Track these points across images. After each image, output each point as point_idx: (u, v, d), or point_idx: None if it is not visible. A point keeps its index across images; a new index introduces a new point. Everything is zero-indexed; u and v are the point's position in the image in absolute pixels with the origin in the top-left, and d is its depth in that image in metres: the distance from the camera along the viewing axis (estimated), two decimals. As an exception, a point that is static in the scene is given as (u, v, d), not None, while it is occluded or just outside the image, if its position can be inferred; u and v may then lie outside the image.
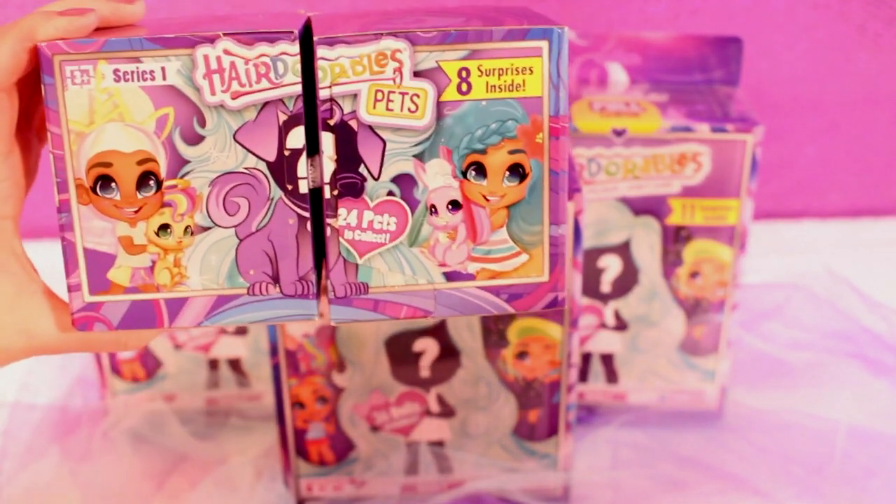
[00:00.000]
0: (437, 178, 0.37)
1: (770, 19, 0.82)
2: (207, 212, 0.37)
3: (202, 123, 0.37)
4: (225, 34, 0.36)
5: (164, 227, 0.37)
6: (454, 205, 0.38)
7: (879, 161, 0.90)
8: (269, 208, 0.37)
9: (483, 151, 0.37)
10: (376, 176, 0.37)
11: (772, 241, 0.86)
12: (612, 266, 0.62)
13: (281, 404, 0.56)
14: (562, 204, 0.38)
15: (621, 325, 0.64)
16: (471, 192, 0.38)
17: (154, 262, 0.38)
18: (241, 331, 0.64)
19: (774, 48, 0.83)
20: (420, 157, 0.37)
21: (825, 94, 0.86)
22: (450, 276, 0.38)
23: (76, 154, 0.37)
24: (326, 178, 0.37)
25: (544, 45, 0.36)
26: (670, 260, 0.62)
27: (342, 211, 0.37)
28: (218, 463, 0.62)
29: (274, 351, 0.54)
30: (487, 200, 0.38)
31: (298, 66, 0.36)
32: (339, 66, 0.36)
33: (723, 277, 0.61)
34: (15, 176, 0.39)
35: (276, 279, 0.38)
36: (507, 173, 0.37)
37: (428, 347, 0.55)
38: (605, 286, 0.63)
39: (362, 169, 0.37)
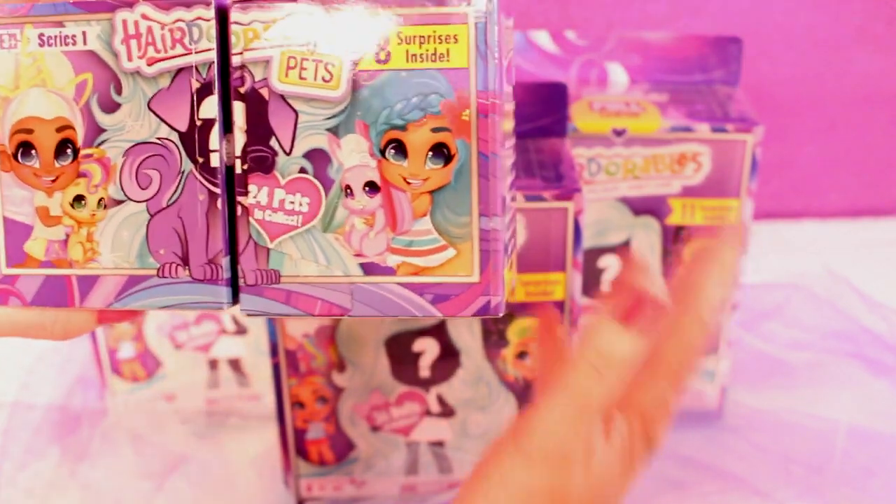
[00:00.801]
0: (353, 156, 0.34)
1: (770, 19, 0.82)
2: (121, 184, 0.35)
3: (119, 90, 0.35)
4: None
5: (78, 199, 0.36)
6: (371, 186, 0.34)
7: (879, 161, 0.90)
8: (179, 182, 0.35)
9: (403, 128, 0.34)
10: (288, 150, 0.34)
11: (772, 241, 0.86)
12: (612, 266, 0.62)
13: (281, 404, 0.56)
14: (493, 192, 0.34)
15: (621, 325, 0.64)
16: (390, 174, 0.34)
17: (68, 236, 0.36)
18: (241, 331, 0.64)
19: (774, 48, 0.83)
20: (335, 131, 0.34)
21: (825, 94, 0.86)
22: (367, 269, 0.35)
23: (1, 119, 0.36)
24: (237, 152, 0.35)
25: (470, 10, 0.33)
26: (670, 260, 0.62)
27: (252, 188, 0.35)
28: (218, 463, 0.62)
29: (274, 351, 0.54)
30: (408, 184, 0.34)
31: (213, 32, 0.34)
32: (251, 31, 0.34)
33: (723, 277, 0.61)
34: None
35: (185, 261, 0.35)
36: (430, 154, 0.34)
37: (428, 347, 0.55)
38: (606, 286, 0.63)
39: (273, 142, 0.34)
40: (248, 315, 0.36)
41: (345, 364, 0.55)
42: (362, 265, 0.35)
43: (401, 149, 0.34)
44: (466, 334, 0.54)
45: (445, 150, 0.34)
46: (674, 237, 0.61)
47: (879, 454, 0.61)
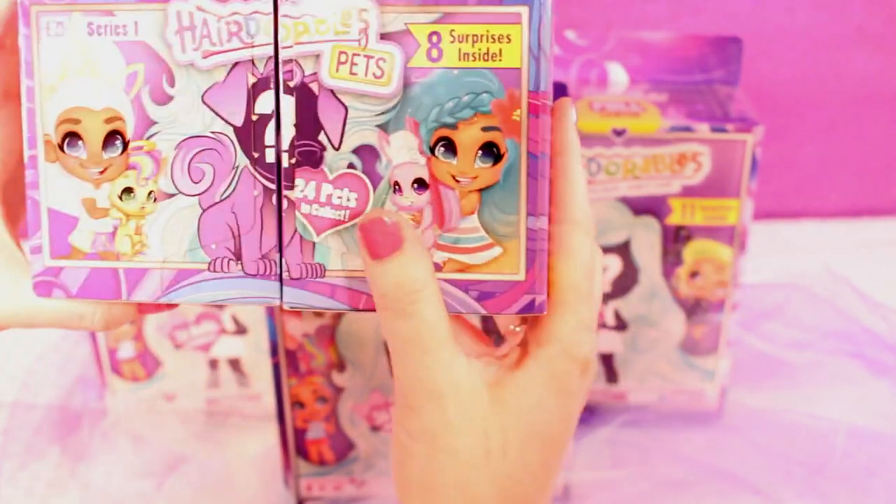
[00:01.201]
0: (403, 153, 0.34)
1: (770, 19, 0.82)
2: (172, 177, 0.35)
3: (171, 82, 0.34)
4: None
5: (127, 191, 0.35)
6: (420, 184, 0.34)
7: (879, 161, 0.90)
8: (233, 177, 0.35)
9: (454, 126, 0.34)
10: (337, 145, 0.34)
11: (772, 241, 0.86)
12: (612, 266, 0.62)
13: (281, 404, 0.56)
14: (541, 192, 0.34)
15: (621, 325, 0.64)
16: (439, 171, 0.34)
17: (115, 228, 0.35)
18: (241, 330, 0.64)
19: (774, 48, 0.83)
20: (384, 127, 0.34)
21: (825, 94, 0.86)
22: None
23: (46, 109, 0.35)
24: (285, 146, 0.34)
25: (524, 10, 0.33)
26: (670, 260, 0.62)
27: (299, 182, 0.34)
28: (218, 463, 0.62)
29: (274, 351, 0.54)
30: (457, 182, 0.34)
31: (272, 27, 0.34)
32: (302, 25, 0.33)
33: (723, 277, 0.61)
34: (1, 139, 0.37)
35: (238, 256, 0.35)
36: (480, 152, 0.34)
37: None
38: (605, 286, 0.63)
39: (322, 137, 0.34)
40: (291, 308, 0.36)
41: (345, 364, 0.55)
42: None
43: (450, 147, 0.34)
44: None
45: (495, 150, 0.34)
46: (674, 237, 0.61)
47: (879, 454, 0.61)
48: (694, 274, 0.62)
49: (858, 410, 0.65)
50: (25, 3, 0.34)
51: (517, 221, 0.34)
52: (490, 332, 0.54)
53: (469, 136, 0.34)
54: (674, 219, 0.60)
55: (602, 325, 0.64)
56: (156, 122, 0.35)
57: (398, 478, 0.35)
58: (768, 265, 0.78)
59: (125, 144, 0.35)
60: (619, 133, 0.58)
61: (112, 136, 0.35)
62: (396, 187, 0.34)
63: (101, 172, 0.35)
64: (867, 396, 0.66)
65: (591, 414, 0.66)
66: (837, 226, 0.90)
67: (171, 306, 0.38)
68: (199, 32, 0.34)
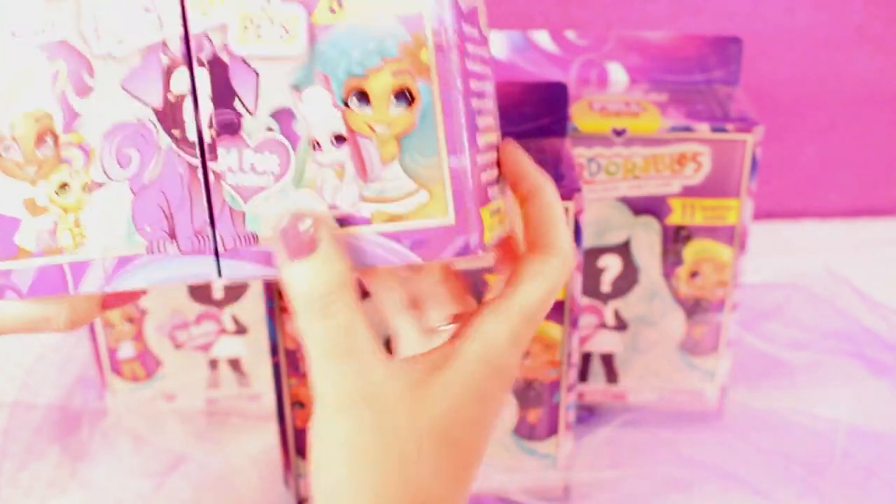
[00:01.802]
0: (318, 110, 0.34)
1: (770, 19, 0.82)
2: (102, 166, 0.35)
3: (91, 74, 0.35)
4: None
5: (63, 186, 0.36)
6: (338, 138, 0.34)
7: (879, 161, 0.90)
8: (159, 158, 0.35)
9: (363, 76, 0.34)
10: (252, 111, 0.34)
11: (772, 241, 0.86)
12: (612, 266, 0.62)
13: (281, 404, 0.56)
14: (458, 130, 0.34)
15: (621, 325, 0.64)
16: (355, 123, 0.34)
17: (56, 224, 0.36)
18: (242, 330, 0.64)
19: (774, 48, 0.83)
20: (297, 87, 0.34)
21: (825, 94, 0.86)
22: (342, 221, 0.34)
23: None
24: (205, 120, 0.35)
25: None
26: (670, 260, 0.62)
27: (221, 152, 0.35)
28: (218, 463, 0.62)
29: (274, 350, 0.54)
30: (374, 131, 0.34)
31: (178, 7, 0.34)
32: None
33: (723, 277, 0.61)
34: None
35: (172, 235, 0.35)
36: (393, 99, 0.34)
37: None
38: (605, 286, 0.63)
39: (237, 104, 0.34)
40: (231, 281, 0.36)
41: (345, 364, 0.55)
42: (337, 218, 0.35)
43: (363, 97, 0.34)
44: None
45: (407, 93, 0.34)
46: (674, 237, 0.61)
47: (879, 454, 0.61)
48: (694, 274, 0.62)
49: (858, 410, 0.65)
50: None
51: (439, 163, 0.34)
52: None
53: (380, 84, 0.34)
54: (674, 219, 0.60)
55: (602, 325, 0.64)
56: (81, 115, 0.35)
57: (315, 483, 0.35)
58: (768, 265, 0.78)
59: (56, 140, 0.36)
60: (619, 133, 0.58)
61: (43, 135, 0.36)
62: (316, 145, 0.35)
63: (37, 171, 0.36)
64: (867, 396, 0.66)
65: (591, 414, 0.66)
66: (837, 226, 0.90)
67: (133, 297, 0.38)
68: (112, 22, 0.34)
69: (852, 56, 0.84)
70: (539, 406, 0.56)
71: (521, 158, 0.37)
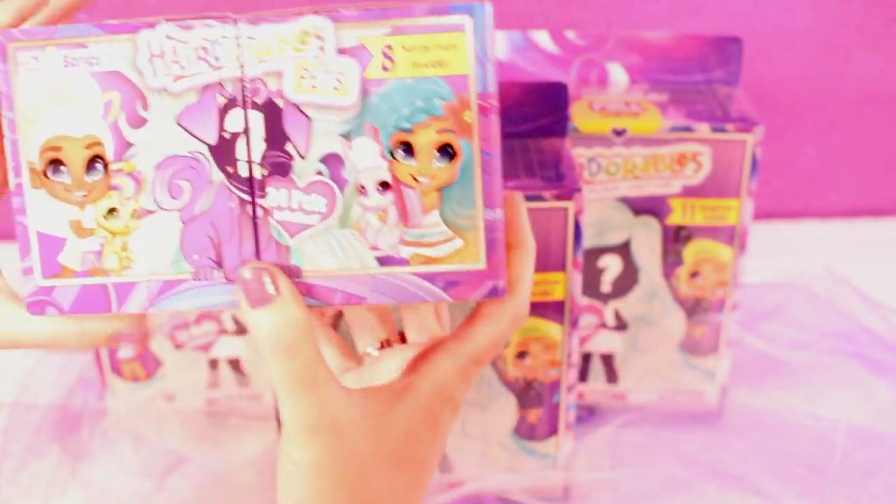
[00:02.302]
0: (366, 158, 0.37)
1: (770, 19, 0.82)
2: (153, 195, 0.37)
3: (145, 107, 0.37)
4: (166, 19, 0.36)
5: (111, 211, 0.37)
6: (384, 185, 0.37)
7: (879, 161, 0.90)
8: (210, 192, 0.37)
9: (410, 130, 0.36)
10: (304, 155, 0.37)
11: (772, 241, 0.86)
12: (612, 266, 0.62)
13: (281, 404, 0.56)
14: (495, 186, 0.37)
15: (621, 325, 0.64)
16: (400, 173, 0.37)
17: (102, 246, 0.38)
18: (242, 331, 0.64)
19: (774, 48, 0.83)
20: (347, 136, 0.36)
21: (825, 94, 0.86)
22: (383, 261, 0.37)
23: (29, 139, 0.37)
24: (256, 158, 0.37)
25: (467, 20, 0.36)
26: (670, 260, 0.62)
27: (271, 191, 0.37)
28: (218, 463, 0.62)
29: (274, 351, 0.54)
30: (417, 181, 0.37)
31: (236, 50, 0.36)
32: (263, 45, 0.36)
33: (723, 277, 0.61)
34: None
35: (219, 264, 0.37)
36: (437, 153, 0.37)
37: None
38: (605, 286, 0.63)
39: (290, 147, 0.37)
40: None
41: (345, 364, 0.55)
42: (378, 258, 0.37)
43: (409, 150, 0.37)
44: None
45: (450, 150, 0.37)
46: (674, 237, 0.61)
47: (879, 454, 0.61)
48: (694, 274, 0.62)
49: (858, 410, 0.65)
50: (2, 40, 0.37)
51: (475, 215, 0.37)
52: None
53: (425, 139, 0.37)
54: (674, 219, 0.60)
55: (602, 325, 0.64)
56: (133, 145, 0.37)
57: (282, 499, 0.39)
58: (768, 265, 0.78)
59: (106, 167, 0.37)
60: (619, 133, 0.58)
61: (93, 161, 0.37)
62: (362, 190, 0.37)
63: (86, 195, 0.37)
64: (867, 396, 0.66)
65: (591, 414, 0.66)
66: (837, 226, 0.90)
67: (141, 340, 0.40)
68: (169, 59, 0.36)
69: (852, 56, 0.84)
70: (539, 406, 0.56)
71: (521, 212, 0.40)
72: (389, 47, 0.36)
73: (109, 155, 0.37)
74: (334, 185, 0.37)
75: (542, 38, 0.62)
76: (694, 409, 0.66)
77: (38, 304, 0.38)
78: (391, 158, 0.37)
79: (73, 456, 0.62)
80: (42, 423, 0.64)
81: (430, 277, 0.37)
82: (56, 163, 0.37)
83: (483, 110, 0.36)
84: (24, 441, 0.63)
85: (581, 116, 0.59)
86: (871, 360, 0.69)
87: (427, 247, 0.37)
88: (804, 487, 0.60)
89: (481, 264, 0.37)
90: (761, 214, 0.87)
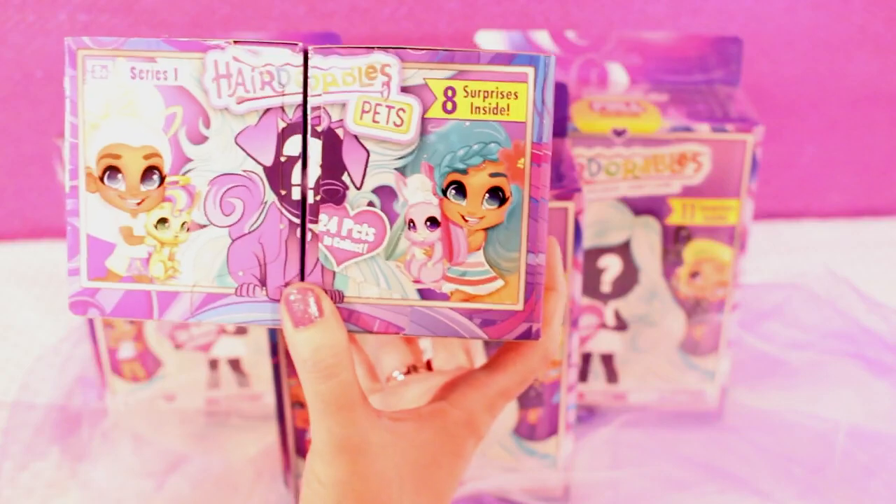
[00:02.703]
0: (418, 194, 0.38)
1: (770, 19, 0.82)
2: (205, 210, 0.38)
3: (207, 124, 0.38)
4: (235, 42, 0.37)
5: (162, 221, 0.38)
6: (432, 222, 0.38)
7: (879, 161, 0.90)
8: (262, 211, 0.38)
9: (464, 171, 0.37)
10: (358, 185, 0.38)
11: (772, 241, 0.86)
12: (612, 266, 0.62)
13: (281, 404, 0.56)
14: (541, 233, 0.38)
15: (621, 325, 0.64)
16: (450, 211, 0.38)
17: (150, 255, 0.39)
18: (241, 331, 0.64)
19: (774, 48, 0.83)
20: (402, 170, 0.37)
21: (825, 94, 0.86)
22: (424, 294, 0.38)
23: (89, 144, 0.38)
24: (311, 184, 0.38)
25: (530, 71, 0.37)
26: (670, 260, 0.62)
27: (323, 217, 0.38)
28: (218, 463, 0.62)
29: (274, 351, 0.54)
30: (466, 221, 0.38)
31: (301, 77, 0.37)
32: (330, 76, 0.37)
33: (723, 277, 0.61)
34: None
35: (263, 282, 0.38)
36: (487, 195, 0.38)
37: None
38: (605, 286, 0.63)
39: (345, 177, 0.38)
40: None
41: (345, 364, 0.55)
42: (419, 290, 0.38)
43: (461, 190, 0.38)
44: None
45: (501, 193, 0.38)
46: (674, 237, 0.61)
47: (879, 454, 0.61)
48: (694, 274, 0.62)
49: (858, 410, 0.65)
50: (73, 47, 0.38)
51: (518, 258, 0.38)
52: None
53: (478, 181, 0.38)
54: (674, 219, 0.60)
55: (602, 325, 0.64)
56: (191, 160, 0.38)
57: None
58: (768, 265, 0.78)
59: (162, 179, 0.38)
60: (619, 133, 0.58)
61: (150, 171, 0.38)
62: (411, 224, 0.38)
63: (139, 203, 0.38)
64: (867, 396, 0.66)
65: (591, 414, 0.66)
66: (837, 226, 0.90)
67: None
68: (234, 80, 0.37)
69: (852, 56, 0.84)
70: (539, 406, 0.56)
71: (556, 255, 0.41)
72: (452, 90, 0.37)
73: (166, 167, 0.38)
74: (385, 217, 0.38)
75: (542, 38, 0.62)
76: (694, 409, 0.66)
77: (81, 305, 0.39)
78: (442, 196, 0.38)
79: (73, 456, 0.62)
80: (42, 423, 0.64)
81: (469, 314, 0.38)
82: (113, 169, 0.38)
83: (536, 158, 0.37)
84: (24, 441, 0.63)
85: (581, 116, 0.59)
86: (871, 360, 0.69)
87: (468, 284, 0.38)
88: (804, 487, 0.60)
89: (519, 306, 0.38)
90: (761, 214, 0.87)
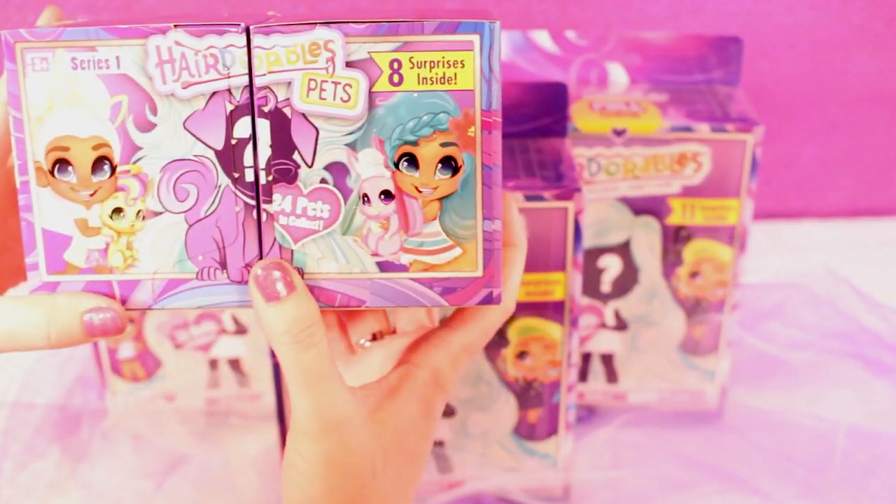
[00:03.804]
0: (370, 168, 0.38)
1: (770, 19, 0.82)
2: (159, 197, 0.38)
3: (154, 111, 0.37)
4: (176, 25, 0.37)
5: (117, 211, 0.38)
6: (386, 195, 0.38)
7: (879, 161, 0.90)
8: (216, 195, 0.38)
9: (415, 143, 0.38)
10: (310, 163, 0.38)
11: (772, 241, 0.86)
12: (612, 266, 0.62)
13: (281, 404, 0.56)
14: (495, 199, 0.38)
15: (621, 325, 0.64)
16: (403, 183, 0.38)
17: (108, 245, 0.38)
18: (241, 331, 0.64)
19: (774, 48, 0.83)
20: (353, 146, 0.37)
21: (825, 94, 0.86)
22: (383, 267, 0.38)
23: (35, 138, 0.38)
24: (262, 164, 0.38)
25: (475, 38, 0.37)
26: (670, 260, 0.62)
27: (277, 196, 0.38)
28: (218, 463, 0.62)
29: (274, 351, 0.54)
30: (420, 192, 0.38)
31: (246, 58, 0.37)
32: (273, 55, 0.37)
33: (723, 277, 0.61)
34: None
35: (223, 265, 0.38)
36: (440, 166, 0.38)
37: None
38: (605, 286, 0.63)
39: (296, 156, 0.38)
40: None
41: (345, 364, 0.55)
42: (378, 263, 0.38)
43: (413, 161, 0.38)
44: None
45: (453, 163, 0.38)
46: (674, 237, 0.61)
47: (879, 454, 0.61)
48: (694, 274, 0.62)
49: (858, 410, 0.65)
50: (10, 40, 0.37)
51: (475, 225, 0.38)
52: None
53: (429, 152, 0.38)
54: (674, 219, 0.60)
55: (602, 325, 0.64)
56: (141, 148, 0.38)
57: (288, 495, 0.39)
58: (768, 265, 0.78)
59: (113, 169, 0.38)
60: (619, 133, 0.58)
61: (100, 162, 0.38)
62: (365, 199, 0.38)
63: (92, 195, 0.38)
64: (867, 396, 0.66)
65: (591, 414, 0.66)
66: (837, 226, 0.90)
67: (118, 331, 0.39)
68: (178, 65, 0.37)
69: (852, 56, 0.84)
70: (539, 406, 0.56)
71: (512, 211, 0.42)
72: (398, 62, 0.37)
73: (116, 157, 0.38)
74: (338, 193, 0.38)
75: (542, 38, 0.62)
76: (694, 409, 0.66)
77: None
78: (395, 169, 0.38)
79: (73, 456, 0.62)
80: (42, 423, 0.64)
81: (429, 283, 0.39)
82: (63, 162, 0.38)
83: (487, 126, 0.37)
84: (24, 441, 0.63)
85: (581, 116, 0.59)
86: (871, 360, 0.69)
87: (426, 254, 0.38)
88: (804, 487, 0.60)
89: (478, 272, 0.39)
90: (761, 214, 0.87)
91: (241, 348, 0.65)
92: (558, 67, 0.63)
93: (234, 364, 0.65)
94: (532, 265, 0.52)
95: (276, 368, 0.55)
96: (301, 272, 0.38)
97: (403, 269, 0.39)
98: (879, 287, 0.74)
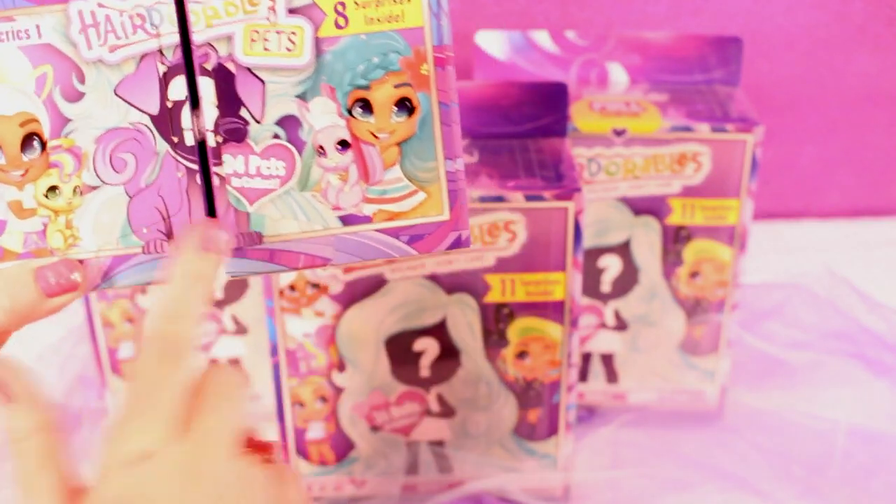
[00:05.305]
0: (323, 118, 0.36)
1: (770, 19, 0.82)
2: (95, 170, 0.36)
3: (81, 80, 0.36)
4: None
5: (52, 189, 0.36)
6: (343, 144, 0.36)
7: (879, 161, 0.90)
8: (156, 163, 0.36)
9: (367, 87, 0.36)
10: (259, 119, 0.36)
11: (772, 241, 0.86)
12: (612, 266, 0.62)
13: (281, 404, 0.56)
14: (455, 137, 0.37)
15: (621, 325, 0.64)
16: (359, 130, 0.36)
17: (45, 226, 0.37)
18: (242, 330, 0.64)
19: (774, 48, 0.83)
20: (303, 96, 0.36)
21: (825, 94, 0.86)
22: (346, 220, 0.37)
23: None
24: (209, 126, 0.36)
25: None
26: (670, 260, 0.62)
27: (227, 158, 0.36)
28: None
29: (274, 351, 0.54)
30: (377, 138, 0.36)
31: (174, 15, 0.35)
32: (211, 9, 0.35)
33: (723, 277, 0.61)
34: None
35: (169, 235, 0.37)
36: (395, 108, 0.36)
37: (428, 347, 0.55)
38: (605, 286, 0.63)
39: (244, 112, 0.36)
40: (234, 276, 0.37)
41: (345, 364, 0.55)
42: (341, 217, 0.37)
43: (367, 106, 0.36)
44: (467, 334, 0.54)
45: (408, 104, 0.36)
46: (674, 237, 0.61)
47: (879, 454, 0.61)
48: (694, 274, 0.62)
49: (858, 410, 0.65)
50: None
51: (436, 167, 0.37)
52: (491, 332, 0.54)
53: (383, 95, 0.36)
54: (674, 219, 0.60)
55: (602, 325, 0.64)
56: (71, 120, 0.36)
57: None
58: (768, 265, 0.78)
59: (43, 145, 0.36)
60: (619, 133, 0.58)
61: (29, 139, 0.36)
62: (321, 150, 0.36)
63: (23, 175, 0.36)
64: (867, 396, 0.66)
65: (591, 414, 0.66)
66: (837, 226, 0.90)
67: (73, 287, 0.38)
68: (104, 28, 0.35)
69: (852, 56, 0.84)
70: (539, 406, 0.56)
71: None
72: (342, 4, 0.35)
73: (46, 132, 0.36)
74: (292, 148, 0.36)
75: (542, 38, 0.62)
76: (694, 409, 0.66)
77: None
78: (349, 116, 0.36)
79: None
80: (42, 423, 0.64)
81: (395, 233, 0.37)
82: None
83: (440, 62, 0.36)
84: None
85: (581, 116, 0.59)
86: (871, 360, 0.69)
87: (390, 202, 0.37)
88: (804, 487, 0.60)
89: (445, 215, 0.37)
90: (761, 214, 0.87)
91: (241, 348, 0.65)
92: (558, 67, 0.63)
93: (234, 364, 0.65)
94: (532, 265, 0.52)
95: (276, 368, 0.55)
96: (260, 237, 0.37)
97: (367, 220, 0.37)
98: (879, 287, 0.74)
